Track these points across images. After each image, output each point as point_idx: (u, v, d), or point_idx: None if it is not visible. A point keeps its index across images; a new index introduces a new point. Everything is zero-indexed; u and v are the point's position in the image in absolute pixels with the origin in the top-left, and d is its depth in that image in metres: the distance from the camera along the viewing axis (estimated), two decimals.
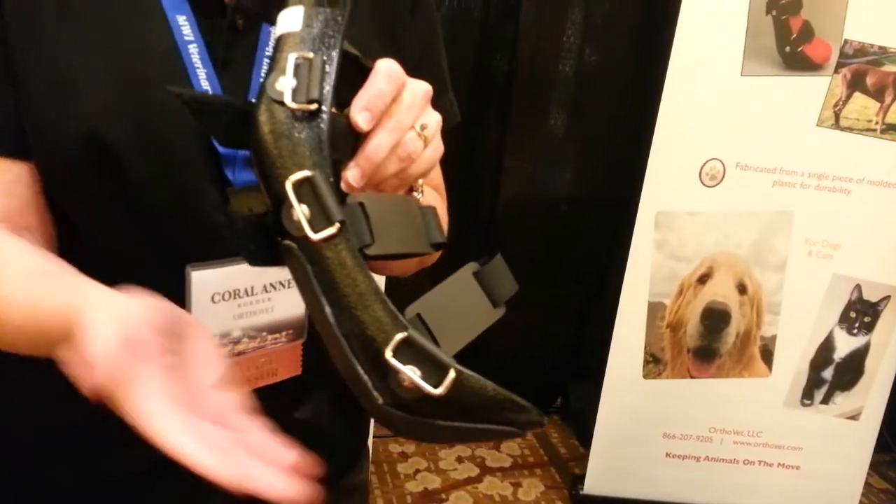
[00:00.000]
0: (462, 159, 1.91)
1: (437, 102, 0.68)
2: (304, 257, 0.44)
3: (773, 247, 1.82)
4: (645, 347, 1.86)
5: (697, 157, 1.77)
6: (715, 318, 1.84)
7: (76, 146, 0.58)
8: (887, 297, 1.82)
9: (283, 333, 0.67)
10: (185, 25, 0.61)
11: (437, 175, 0.83)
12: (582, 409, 2.26)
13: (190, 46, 0.61)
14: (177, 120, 0.58)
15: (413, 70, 0.63)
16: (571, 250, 2.04)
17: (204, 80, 0.61)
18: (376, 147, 0.50)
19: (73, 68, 0.59)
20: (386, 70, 0.51)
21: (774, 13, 1.69)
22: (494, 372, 0.46)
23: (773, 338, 1.86)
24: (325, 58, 0.47)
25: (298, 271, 0.45)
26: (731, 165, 1.77)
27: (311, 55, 0.47)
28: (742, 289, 1.84)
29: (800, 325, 1.85)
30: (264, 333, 0.66)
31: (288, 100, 0.46)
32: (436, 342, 0.44)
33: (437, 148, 0.56)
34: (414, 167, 0.53)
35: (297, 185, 0.44)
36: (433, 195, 0.78)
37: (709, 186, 1.79)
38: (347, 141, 0.49)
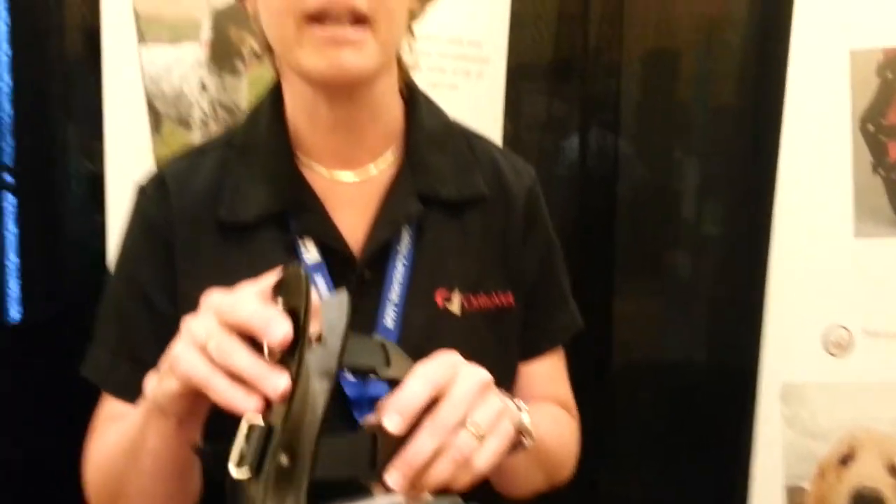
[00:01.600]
0: None
1: (555, 319, 0.85)
2: None
3: None
4: None
5: (818, 323, 1.66)
6: None
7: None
8: None
9: None
10: (321, 284, 0.72)
11: (562, 391, 0.89)
12: None
13: None
14: None
15: (530, 290, 0.80)
16: (690, 422, 1.90)
17: None
18: (416, 451, 0.53)
19: None
20: (422, 372, 0.55)
21: (882, 173, 1.65)
22: None
23: None
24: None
25: None
26: (858, 332, 1.65)
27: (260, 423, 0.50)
28: (893, 470, 1.63)
29: None
30: None
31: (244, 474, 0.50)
32: None
33: (502, 437, 0.57)
34: (475, 464, 0.54)
35: None
36: (553, 416, 0.82)
37: (836, 356, 1.66)
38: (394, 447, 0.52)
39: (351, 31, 0.63)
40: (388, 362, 0.58)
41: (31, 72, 1.55)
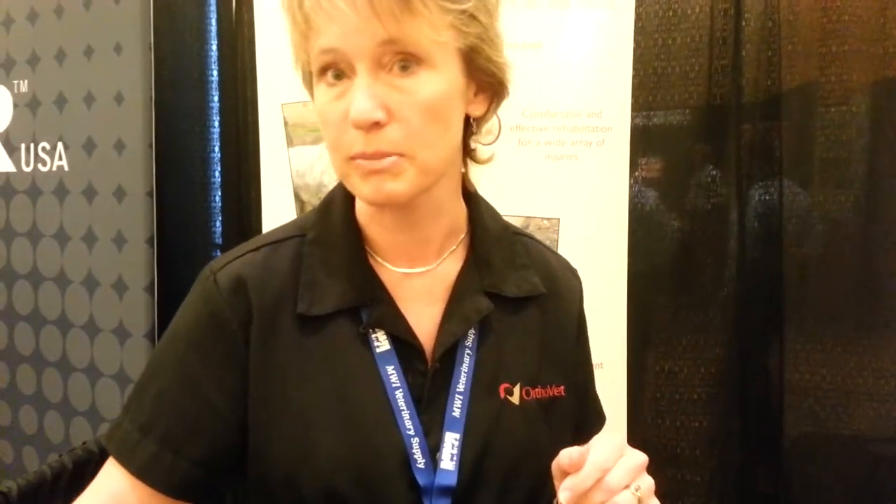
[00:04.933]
0: (735, 387, 1.77)
1: (593, 427, 0.93)
2: None
3: None
4: None
5: None
6: None
7: (311, 498, 0.73)
8: None
9: None
10: (392, 374, 0.75)
11: None
12: None
13: (397, 392, 0.75)
14: (389, 461, 0.73)
15: (581, 385, 0.87)
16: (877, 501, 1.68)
17: (407, 419, 0.74)
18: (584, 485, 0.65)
19: (310, 429, 0.74)
20: (592, 460, 0.66)
21: None
22: None
23: None
24: None
25: None
26: None
27: None
28: None
29: None
30: None
31: None
32: None
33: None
34: None
35: None
36: None
37: None
38: None
39: (386, 163, 0.68)
40: None
41: (231, 168, 1.90)
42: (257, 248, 0.79)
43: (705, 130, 1.70)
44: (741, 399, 1.78)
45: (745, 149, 1.69)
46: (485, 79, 0.74)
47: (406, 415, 0.74)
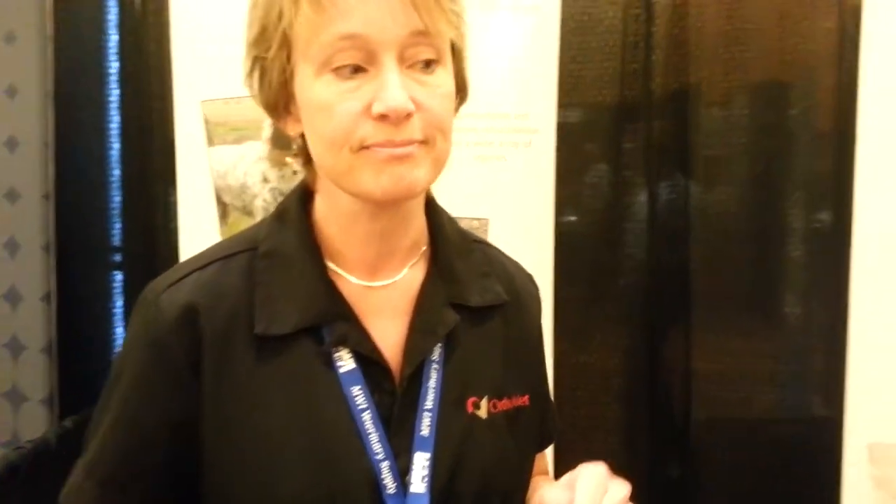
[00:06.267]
0: (645, 377, 1.85)
1: (550, 419, 0.91)
2: None
3: None
4: None
5: None
6: None
7: None
8: None
9: None
10: (359, 395, 0.71)
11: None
12: None
13: (364, 414, 0.71)
14: (358, 492, 0.70)
15: (538, 401, 0.85)
16: (777, 484, 1.82)
17: (376, 442, 0.70)
18: None
19: (273, 463, 0.69)
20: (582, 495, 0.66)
21: None
22: None
23: None
24: None
25: None
26: None
27: None
28: None
29: None
30: None
31: None
32: None
33: None
34: None
35: None
36: None
37: None
38: None
39: (410, 149, 0.66)
40: None
41: (133, 165, 1.79)
42: (204, 266, 0.73)
43: (617, 130, 1.76)
44: (651, 388, 1.88)
45: (654, 148, 1.76)
46: (457, 81, 0.73)
47: (374, 438, 0.71)
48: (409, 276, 0.77)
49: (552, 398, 0.94)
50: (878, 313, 1.55)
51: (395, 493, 0.70)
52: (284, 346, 0.71)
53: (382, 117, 0.64)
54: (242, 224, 1.45)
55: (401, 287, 0.76)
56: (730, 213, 1.80)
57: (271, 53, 0.67)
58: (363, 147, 0.65)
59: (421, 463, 0.71)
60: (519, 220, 1.52)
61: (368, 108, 0.64)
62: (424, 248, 0.79)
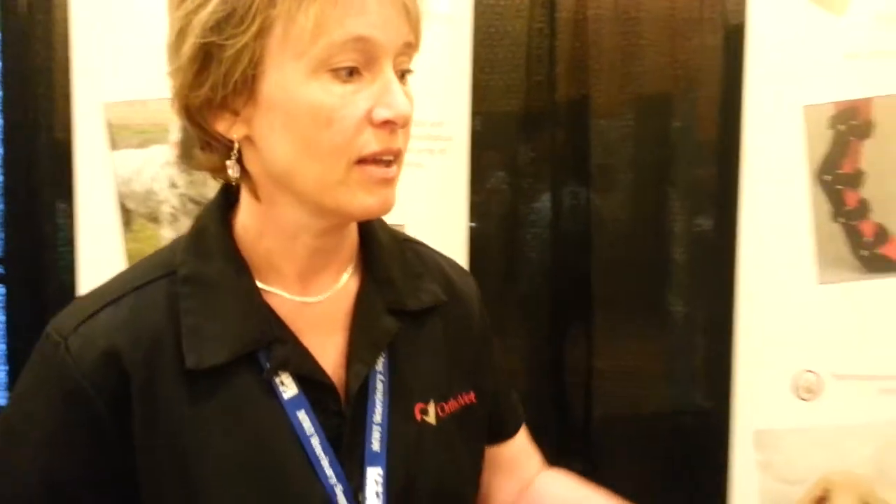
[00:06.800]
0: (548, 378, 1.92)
1: (512, 402, 0.93)
2: None
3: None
4: None
5: (787, 369, 1.70)
6: None
7: None
8: None
9: None
10: (305, 421, 0.67)
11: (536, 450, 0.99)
12: None
13: (312, 440, 0.67)
14: None
15: (491, 385, 0.85)
16: (665, 472, 1.94)
17: (327, 467, 0.67)
18: None
19: (207, 481, 0.65)
20: None
21: (841, 220, 1.69)
22: None
23: None
24: None
25: None
26: (827, 376, 1.69)
27: None
28: None
29: None
30: None
31: None
32: None
33: None
34: None
35: None
36: None
37: (806, 400, 1.70)
38: None
39: (394, 172, 0.66)
40: None
41: (19, 171, 1.65)
42: (117, 300, 0.66)
43: (523, 139, 1.82)
44: (554, 388, 1.94)
45: (556, 156, 1.83)
46: None
47: (325, 463, 0.68)
48: (345, 285, 0.74)
49: (510, 387, 0.93)
50: (762, 309, 1.69)
51: None
52: (220, 379, 0.65)
53: (385, 124, 0.63)
54: (148, 231, 1.38)
55: (337, 299, 0.73)
56: (623, 220, 1.91)
57: (240, 42, 0.60)
58: (359, 160, 0.63)
59: (373, 479, 0.69)
60: (433, 225, 1.53)
61: (369, 114, 0.63)
62: (356, 254, 0.77)
